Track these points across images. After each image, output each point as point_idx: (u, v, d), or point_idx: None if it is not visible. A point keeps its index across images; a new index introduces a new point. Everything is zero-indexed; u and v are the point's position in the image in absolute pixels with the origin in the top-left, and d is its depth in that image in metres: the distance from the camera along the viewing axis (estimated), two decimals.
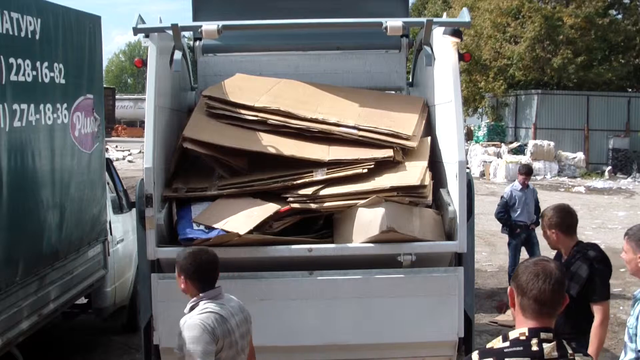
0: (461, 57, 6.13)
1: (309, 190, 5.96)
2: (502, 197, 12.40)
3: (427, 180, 6.00)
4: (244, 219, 5.72)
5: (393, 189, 5.90)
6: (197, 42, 7.65)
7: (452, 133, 5.95)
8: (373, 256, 5.85)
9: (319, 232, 6.14)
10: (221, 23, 5.76)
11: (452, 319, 5.87)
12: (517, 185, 12.22)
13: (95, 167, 8.29)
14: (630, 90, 38.87)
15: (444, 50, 6.13)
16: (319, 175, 6.02)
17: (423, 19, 5.96)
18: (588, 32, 35.29)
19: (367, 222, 5.76)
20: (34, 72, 6.72)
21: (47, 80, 6.99)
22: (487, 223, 17.12)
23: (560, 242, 5.58)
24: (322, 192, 5.96)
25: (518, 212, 11.94)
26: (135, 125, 66.88)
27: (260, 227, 5.74)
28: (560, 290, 3.16)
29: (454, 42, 6.05)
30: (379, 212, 5.74)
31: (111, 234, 8.93)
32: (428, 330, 5.89)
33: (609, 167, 33.08)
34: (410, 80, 7.89)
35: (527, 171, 12.42)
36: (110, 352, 9.17)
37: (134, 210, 10.08)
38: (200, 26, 5.75)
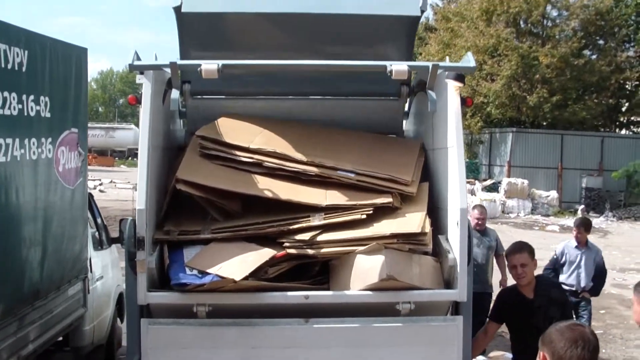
0: (463, 102, 6.02)
1: (306, 236, 5.78)
2: (554, 252, 10.49)
3: (428, 228, 5.86)
4: (239, 264, 5.53)
5: (393, 235, 5.75)
6: (186, 85, 7.12)
7: (453, 179, 5.82)
8: (371, 304, 5.68)
9: (314, 278, 5.97)
10: (221, 62, 5.58)
11: None
12: (572, 242, 10.26)
13: (78, 203, 8.07)
14: (603, 130, 39.32)
15: (446, 94, 6.00)
16: (316, 220, 5.86)
17: (428, 63, 5.83)
18: (563, 71, 35.69)
19: (366, 269, 5.60)
20: (20, 106, 6.51)
21: (32, 113, 6.78)
22: None
23: None
24: (320, 238, 5.80)
25: (566, 274, 10.08)
26: (106, 154, 66.53)
27: (255, 273, 5.55)
28: (596, 356, 3.05)
29: (456, 87, 5.93)
30: (379, 259, 5.58)
31: (91, 271, 8.69)
32: None
33: (582, 206, 33.29)
34: (406, 112, 7.66)
35: (580, 223, 10.27)
36: None
37: (113, 246, 9.90)
38: (200, 65, 5.58)
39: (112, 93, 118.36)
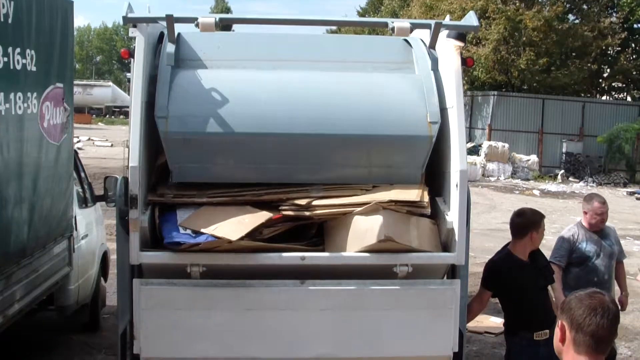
0: (464, 62, 5.87)
1: (303, 201, 5.67)
2: None
3: (426, 197, 5.75)
4: (235, 225, 5.40)
5: (391, 202, 5.65)
6: None
7: (453, 140, 5.70)
8: (368, 266, 5.59)
9: (310, 240, 5.86)
10: (219, 16, 5.40)
11: (448, 333, 5.64)
12: None
13: (63, 160, 7.89)
14: (584, 95, 39.34)
15: (447, 53, 5.86)
16: (315, 192, 5.75)
17: (431, 21, 5.67)
18: (548, 35, 35.54)
19: (364, 230, 5.50)
20: (6, 59, 6.29)
21: (19, 67, 6.57)
22: None
23: None
24: (317, 202, 5.69)
25: None
26: (83, 112, 65.74)
27: (250, 234, 5.43)
28: (616, 326, 2.96)
29: (457, 46, 5.79)
30: (377, 220, 5.48)
31: (76, 229, 8.53)
32: (422, 344, 5.66)
33: (562, 171, 33.40)
34: None
35: None
36: (71, 352, 8.79)
37: (97, 204, 9.74)
38: (197, 18, 5.39)
39: (89, 50, 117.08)
